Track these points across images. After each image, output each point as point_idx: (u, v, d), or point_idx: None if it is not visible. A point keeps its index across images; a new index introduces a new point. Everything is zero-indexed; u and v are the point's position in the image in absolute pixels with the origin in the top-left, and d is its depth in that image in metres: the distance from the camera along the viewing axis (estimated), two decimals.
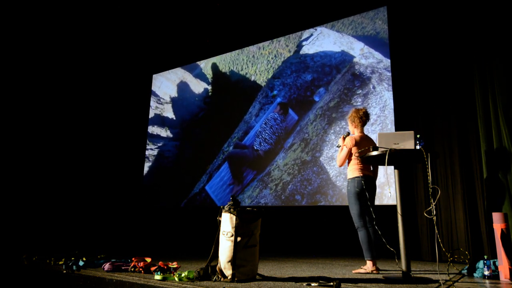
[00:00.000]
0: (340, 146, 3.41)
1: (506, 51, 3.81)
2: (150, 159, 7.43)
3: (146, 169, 7.48)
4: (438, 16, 4.61)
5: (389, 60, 4.97)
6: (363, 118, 3.42)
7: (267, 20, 6.28)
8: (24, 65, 6.39)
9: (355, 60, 5.22)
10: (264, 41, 6.41)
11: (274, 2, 5.97)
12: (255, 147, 5.77)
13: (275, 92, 5.82)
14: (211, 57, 7.12)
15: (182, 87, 7.46)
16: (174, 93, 7.53)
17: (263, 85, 6.23)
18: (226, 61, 6.88)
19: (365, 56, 5.14)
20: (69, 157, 6.87)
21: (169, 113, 7.49)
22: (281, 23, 6.21)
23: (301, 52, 5.84)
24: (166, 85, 7.73)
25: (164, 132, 7.41)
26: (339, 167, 3.35)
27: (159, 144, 7.41)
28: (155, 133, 7.54)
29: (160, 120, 7.57)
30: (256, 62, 6.43)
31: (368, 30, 5.27)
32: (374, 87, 4.90)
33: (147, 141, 7.62)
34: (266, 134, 5.67)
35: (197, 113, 7.07)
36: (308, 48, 5.76)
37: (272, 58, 6.21)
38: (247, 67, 6.52)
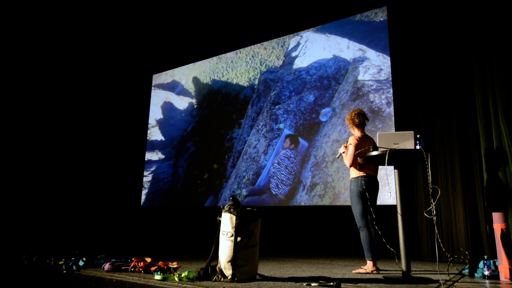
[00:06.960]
0: (343, 152, 3.41)
1: (506, 51, 3.81)
2: (146, 186, 7.37)
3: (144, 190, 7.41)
4: (438, 16, 4.61)
5: (388, 57, 4.98)
6: (360, 118, 3.43)
7: (260, 24, 6.32)
8: (24, 66, 6.38)
9: (359, 78, 5.00)
10: (258, 43, 6.43)
11: (261, 4, 5.98)
12: (273, 192, 5.27)
13: (281, 125, 5.42)
14: (197, 62, 7.18)
15: (166, 107, 7.49)
16: (159, 115, 7.56)
17: (246, 85, 6.36)
18: (206, 72, 7.00)
19: (365, 67, 4.98)
20: (69, 157, 6.86)
21: (157, 135, 7.48)
22: (269, 26, 6.23)
23: (294, 66, 5.67)
24: (150, 109, 7.76)
25: (156, 155, 7.38)
26: (349, 167, 3.35)
27: (152, 169, 7.36)
28: (146, 159, 7.51)
29: (150, 145, 7.55)
30: (235, 66, 6.58)
31: (367, 30, 5.28)
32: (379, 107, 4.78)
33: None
34: (283, 175, 5.17)
35: (185, 128, 7.08)
36: (301, 61, 5.59)
37: (250, 59, 6.37)
38: (227, 72, 6.65)
